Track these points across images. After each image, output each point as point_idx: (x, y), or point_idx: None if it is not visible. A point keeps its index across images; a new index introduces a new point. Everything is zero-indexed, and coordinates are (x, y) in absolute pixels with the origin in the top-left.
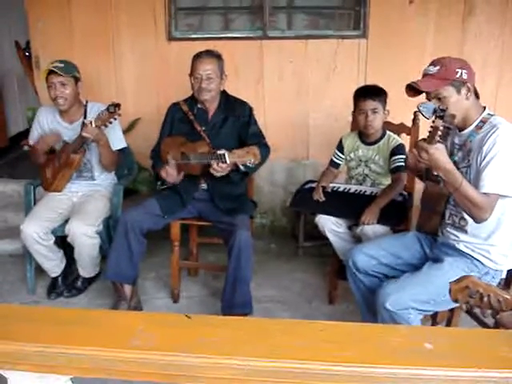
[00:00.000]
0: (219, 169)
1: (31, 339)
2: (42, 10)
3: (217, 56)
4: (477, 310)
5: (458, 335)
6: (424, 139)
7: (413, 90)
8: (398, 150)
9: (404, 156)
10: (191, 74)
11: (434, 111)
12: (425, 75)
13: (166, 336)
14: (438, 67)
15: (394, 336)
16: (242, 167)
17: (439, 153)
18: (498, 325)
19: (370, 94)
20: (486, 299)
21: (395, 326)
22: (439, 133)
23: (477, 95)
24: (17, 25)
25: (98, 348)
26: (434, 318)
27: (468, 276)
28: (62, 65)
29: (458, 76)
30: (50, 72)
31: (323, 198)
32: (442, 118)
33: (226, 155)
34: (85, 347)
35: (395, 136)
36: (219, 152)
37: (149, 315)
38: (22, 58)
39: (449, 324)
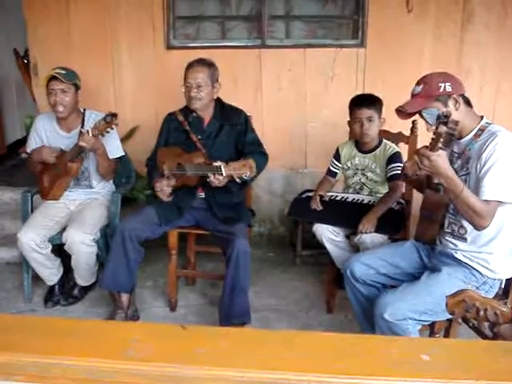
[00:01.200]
0: (216, 181)
1: (26, 349)
2: (40, 17)
3: (208, 64)
4: (475, 322)
5: (456, 347)
6: (426, 146)
7: (403, 112)
8: (395, 158)
9: (401, 164)
10: (183, 83)
11: (438, 117)
12: (412, 96)
13: (161, 347)
14: (421, 86)
15: (390, 347)
16: (237, 179)
17: (441, 159)
18: (496, 337)
19: (365, 102)
20: (482, 313)
21: (392, 338)
22: (442, 139)
23: (469, 104)
24: (15, 32)
25: (93, 359)
26: (431, 328)
27: (464, 290)
28: (64, 72)
29: (441, 90)
30: (52, 78)
31: (320, 207)
32: (445, 124)
33: (222, 168)
34: (80, 358)
35: (392, 144)
36: (215, 164)
37: (144, 325)
38: (21, 66)
39: (447, 334)
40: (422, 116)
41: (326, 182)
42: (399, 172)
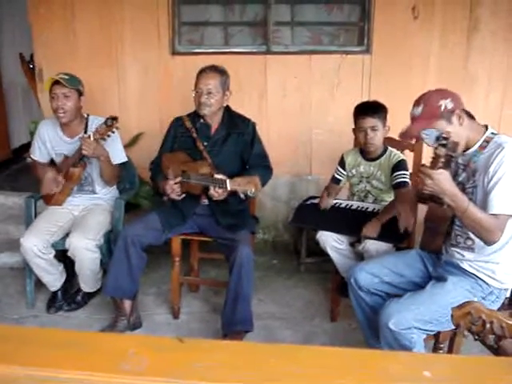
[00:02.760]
0: (216, 194)
1: (20, 361)
2: (46, 22)
3: (221, 71)
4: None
5: (458, 363)
6: (427, 166)
7: (407, 135)
8: (400, 165)
9: (406, 172)
10: (194, 89)
11: (437, 139)
12: (412, 119)
13: (157, 360)
14: (421, 107)
15: (392, 363)
16: (241, 195)
17: (443, 178)
18: (500, 351)
19: (368, 111)
20: (488, 326)
21: (394, 353)
22: (442, 160)
23: (471, 116)
24: (21, 37)
25: (88, 372)
26: (436, 338)
27: (470, 302)
28: (67, 77)
29: (442, 109)
30: (55, 83)
31: (332, 202)
32: (444, 146)
33: (228, 182)
34: (75, 371)
35: (397, 152)
36: (221, 177)
37: (140, 338)
38: (27, 71)
39: (451, 344)
40: (421, 137)
41: (330, 188)
42: (404, 180)
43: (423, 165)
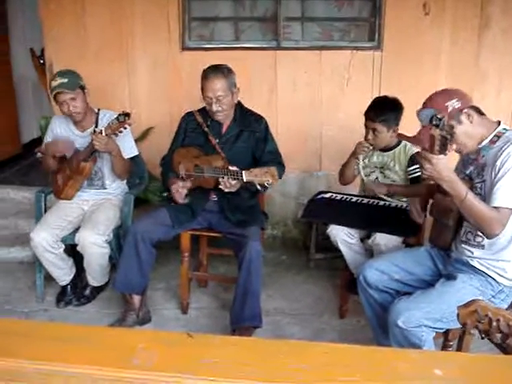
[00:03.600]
0: (228, 185)
1: (30, 356)
2: (56, 17)
3: (224, 72)
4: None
5: (468, 361)
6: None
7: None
8: (416, 159)
9: None
10: (202, 92)
11: (431, 119)
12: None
13: (166, 355)
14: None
15: (403, 361)
16: (258, 186)
17: (442, 164)
18: (507, 349)
19: (372, 113)
20: (495, 324)
21: (404, 351)
22: (438, 142)
23: (481, 112)
24: (32, 32)
25: (97, 367)
26: (445, 336)
27: (476, 300)
28: (66, 79)
29: (450, 110)
30: (58, 92)
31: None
32: (437, 126)
33: (243, 173)
34: (84, 365)
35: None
36: (236, 169)
37: (150, 333)
38: (37, 66)
39: (461, 342)
40: (417, 117)
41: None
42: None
43: (424, 149)
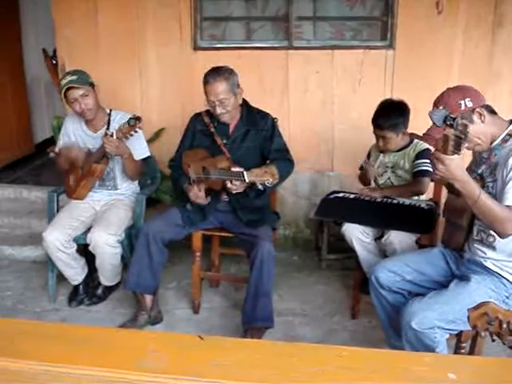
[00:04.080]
0: (234, 186)
1: (40, 357)
2: (68, 18)
3: (225, 75)
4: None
5: (483, 365)
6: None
7: (431, 136)
8: (423, 154)
9: (428, 160)
10: (206, 98)
11: (445, 120)
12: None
13: (177, 358)
14: (440, 108)
15: (417, 365)
16: (259, 186)
17: (455, 164)
18: None
19: (378, 121)
20: (505, 326)
21: (418, 354)
22: (451, 142)
23: (493, 112)
24: (44, 32)
25: (108, 369)
26: (458, 338)
27: (487, 302)
28: (75, 76)
29: (462, 108)
30: (68, 88)
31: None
32: (451, 126)
33: (245, 174)
34: (94, 368)
35: (422, 142)
36: (238, 170)
37: (160, 335)
38: (50, 66)
39: (474, 343)
40: (430, 117)
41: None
42: (425, 168)
43: (436, 149)
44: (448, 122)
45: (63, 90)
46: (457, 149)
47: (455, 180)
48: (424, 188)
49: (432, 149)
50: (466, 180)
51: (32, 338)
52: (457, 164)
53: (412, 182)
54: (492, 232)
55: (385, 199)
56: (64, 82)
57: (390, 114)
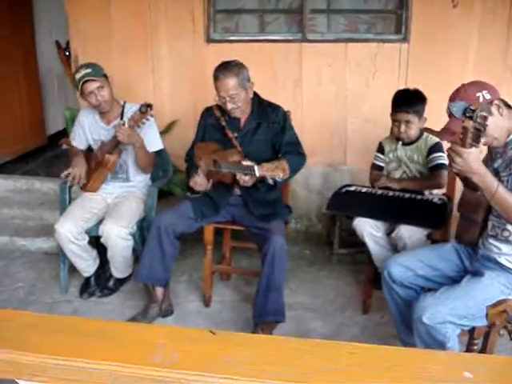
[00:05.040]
0: (241, 181)
1: (51, 351)
2: (81, 10)
3: (235, 70)
4: None
5: (499, 363)
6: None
7: (449, 130)
8: (436, 148)
9: (443, 154)
10: (216, 94)
11: (464, 111)
12: (450, 115)
13: (188, 353)
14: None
15: (431, 363)
16: (270, 181)
17: (473, 157)
18: None
19: (405, 105)
20: None
21: (433, 352)
22: (470, 134)
23: (508, 105)
24: (57, 24)
25: (118, 363)
26: (471, 334)
27: (506, 300)
28: (90, 69)
29: (481, 101)
30: (84, 82)
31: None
32: (471, 118)
33: (256, 168)
34: (104, 362)
35: (432, 136)
36: (249, 164)
37: (172, 329)
38: (63, 58)
39: (486, 339)
40: (449, 109)
41: (375, 176)
42: (442, 162)
43: (454, 142)
44: (467, 114)
45: (80, 84)
46: (475, 141)
47: (473, 173)
48: (443, 181)
49: (444, 143)
50: (483, 173)
51: (43, 331)
52: (475, 157)
53: (430, 175)
54: (508, 227)
55: (397, 193)
56: (79, 75)
57: (414, 98)
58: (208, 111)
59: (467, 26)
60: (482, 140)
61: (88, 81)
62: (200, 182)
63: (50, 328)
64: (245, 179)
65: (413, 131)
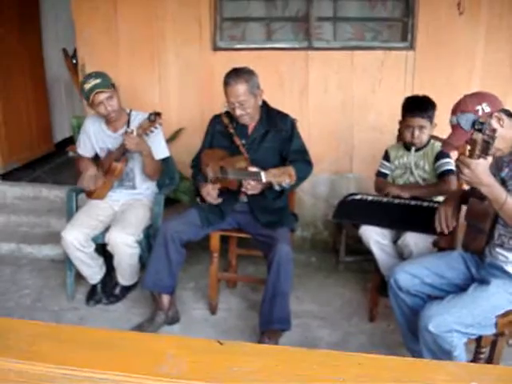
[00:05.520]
0: (249, 187)
1: (58, 361)
2: (88, 18)
3: (245, 76)
4: None
5: (507, 373)
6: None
7: (450, 144)
8: (442, 154)
9: (450, 160)
10: (226, 100)
11: (473, 123)
12: (452, 127)
13: (196, 363)
14: (458, 115)
15: (439, 374)
16: (277, 187)
17: (481, 167)
18: None
19: (419, 110)
20: None
21: (441, 363)
22: (479, 146)
23: (510, 114)
24: (64, 32)
25: (126, 373)
26: (478, 343)
27: None
28: (99, 80)
29: (480, 114)
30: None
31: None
32: (480, 130)
33: (262, 174)
34: (112, 372)
35: (438, 143)
36: (255, 170)
37: (180, 339)
38: (70, 66)
39: (493, 348)
40: (457, 121)
41: (380, 183)
42: (450, 168)
43: (462, 153)
44: (476, 127)
45: (91, 95)
46: (484, 153)
47: (481, 184)
48: (453, 187)
49: (451, 153)
50: (492, 184)
51: (51, 340)
52: (483, 168)
53: (439, 182)
54: None
55: (402, 201)
56: (88, 86)
57: (426, 104)
58: (216, 118)
59: (473, 33)
60: (491, 152)
61: (99, 92)
62: (213, 193)
63: (59, 338)
64: (252, 185)
65: (425, 136)
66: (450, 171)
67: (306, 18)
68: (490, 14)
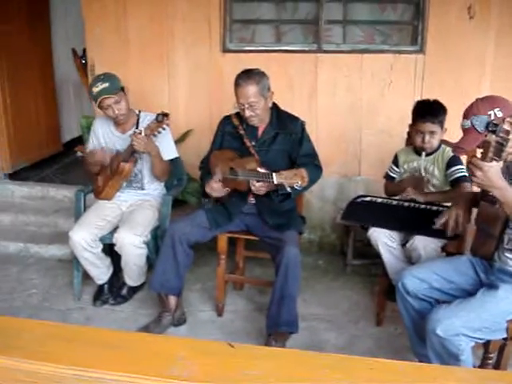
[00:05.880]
0: (255, 187)
1: (68, 361)
2: (98, 18)
3: (256, 78)
4: None
5: None
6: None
7: (462, 148)
8: (455, 161)
9: (463, 166)
10: (236, 101)
11: (487, 125)
12: (464, 131)
13: (207, 366)
14: (470, 119)
15: (449, 379)
16: (288, 189)
17: (493, 171)
18: None
19: (430, 115)
20: None
21: (451, 368)
22: (492, 148)
23: None
24: (74, 32)
25: (137, 375)
26: (486, 347)
27: None
28: (107, 84)
29: (492, 118)
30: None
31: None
32: (494, 132)
33: (274, 175)
34: (123, 373)
35: (449, 149)
36: (267, 171)
37: (190, 341)
38: (79, 66)
39: (501, 353)
40: (471, 123)
41: (388, 185)
42: (463, 174)
43: (474, 156)
44: (490, 129)
45: (98, 99)
46: (496, 155)
47: (493, 187)
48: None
49: (462, 158)
50: (504, 187)
51: (62, 341)
52: (495, 171)
53: (454, 189)
54: None
55: (412, 204)
56: (97, 90)
57: (437, 109)
58: (227, 119)
59: (484, 37)
60: (504, 154)
61: (105, 98)
62: (217, 187)
63: (69, 338)
64: (260, 185)
65: (436, 141)
66: (463, 178)
67: (315, 21)
68: (500, 18)
